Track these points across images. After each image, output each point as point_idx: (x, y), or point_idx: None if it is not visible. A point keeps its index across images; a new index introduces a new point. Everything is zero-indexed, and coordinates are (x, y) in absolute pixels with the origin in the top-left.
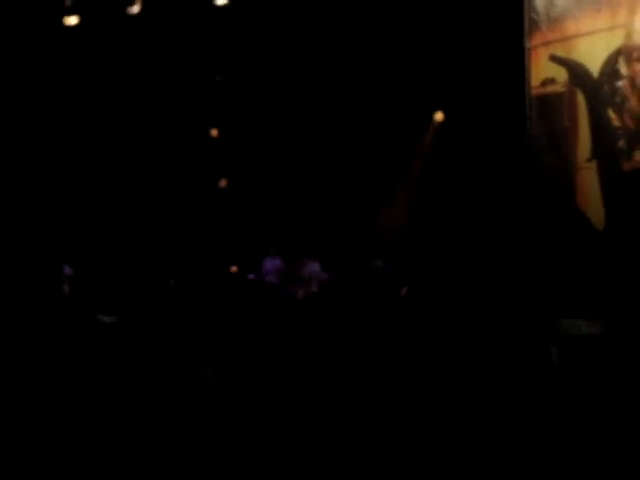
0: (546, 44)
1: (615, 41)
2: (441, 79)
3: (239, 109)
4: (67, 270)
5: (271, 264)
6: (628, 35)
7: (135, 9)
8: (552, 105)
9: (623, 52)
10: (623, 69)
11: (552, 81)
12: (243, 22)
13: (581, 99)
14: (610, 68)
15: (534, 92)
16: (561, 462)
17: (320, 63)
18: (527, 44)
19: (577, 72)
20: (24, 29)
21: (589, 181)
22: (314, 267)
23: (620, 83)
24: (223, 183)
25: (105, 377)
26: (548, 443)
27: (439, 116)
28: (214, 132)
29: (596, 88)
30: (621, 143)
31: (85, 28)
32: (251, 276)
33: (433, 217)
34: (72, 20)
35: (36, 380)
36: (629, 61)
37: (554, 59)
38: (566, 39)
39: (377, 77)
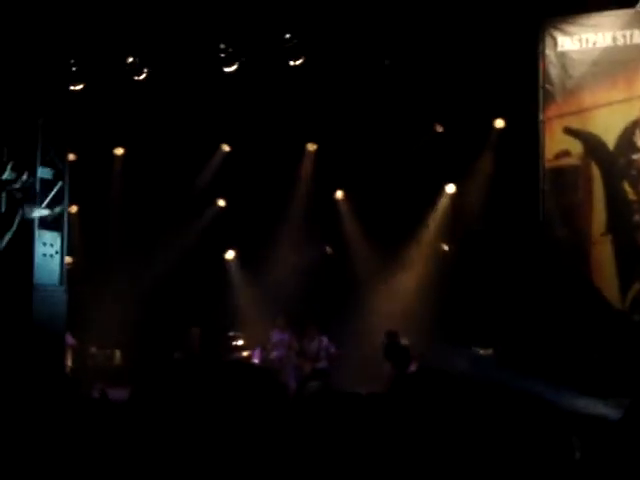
0: (561, 116)
1: (631, 113)
2: (457, 148)
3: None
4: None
5: (279, 338)
6: None
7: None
8: (566, 178)
9: (639, 124)
10: (639, 142)
11: (567, 154)
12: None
13: (596, 172)
14: (626, 140)
15: (548, 165)
16: None
17: None
18: (541, 116)
19: (592, 144)
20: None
21: (604, 255)
22: (323, 341)
23: (636, 156)
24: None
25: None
26: None
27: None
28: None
29: (612, 160)
30: (637, 217)
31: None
32: (257, 352)
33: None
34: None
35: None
36: None
37: (569, 131)
38: (581, 111)
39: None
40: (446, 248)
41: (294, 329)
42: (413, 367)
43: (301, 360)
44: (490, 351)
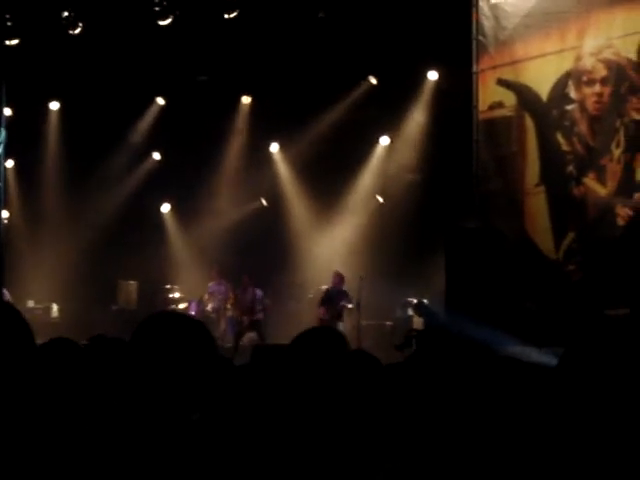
0: (494, 68)
1: (564, 64)
2: (392, 100)
3: None
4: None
5: (215, 289)
6: (578, 58)
7: None
8: (500, 129)
9: (573, 75)
10: (572, 93)
11: (500, 105)
12: None
13: (529, 123)
14: (559, 92)
15: (482, 116)
16: None
17: None
18: (475, 68)
19: (526, 96)
20: None
21: (537, 206)
22: (257, 293)
23: (569, 107)
24: None
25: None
26: None
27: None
28: (156, 155)
29: (545, 112)
30: (570, 168)
31: None
32: (193, 304)
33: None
34: None
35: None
36: (579, 85)
37: (502, 83)
38: (514, 62)
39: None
40: (381, 200)
41: (229, 281)
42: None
43: (237, 312)
44: (425, 300)
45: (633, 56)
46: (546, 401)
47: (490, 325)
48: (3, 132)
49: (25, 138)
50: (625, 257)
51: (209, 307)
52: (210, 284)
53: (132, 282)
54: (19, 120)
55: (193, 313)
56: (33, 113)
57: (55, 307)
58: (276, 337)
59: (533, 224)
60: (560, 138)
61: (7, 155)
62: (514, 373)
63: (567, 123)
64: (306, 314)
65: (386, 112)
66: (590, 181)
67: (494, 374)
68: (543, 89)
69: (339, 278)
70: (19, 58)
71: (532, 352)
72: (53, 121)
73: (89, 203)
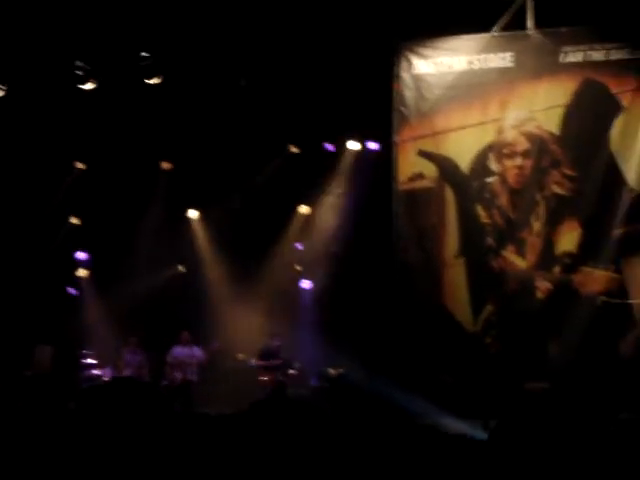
0: (415, 139)
1: (485, 137)
2: (312, 169)
3: None
4: None
5: (131, 357)
6: (499, 131)
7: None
8: (420, 200)
9: (494, 148)
10: (493, 165)
11: (421, 176)
12: None
13: (450, 195)
14: (480, 164)
15: (402, 187)
16: None
17: None
18: (395, 138)
19: (446, 167)
20: None
21: (457, 278)
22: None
23: (490, 179)
24: None
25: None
26: None
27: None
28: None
29: (465, 184)
30: (489, 240)
31: None
32: (108, 370)
33: None
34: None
35: None
36: (500, 157)
37: (423, 154)
38: (436, 134)
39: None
40: (299, 268)
41: (145, 349)
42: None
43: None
44: (341, 370)
45: (555, 129)
46: (476, 474)
47: (409, 392)
48: None
49: None
50: (544, 330)
51: (124, 374)
52: (125, 350)
53: (46, 346)
54: None
55: (106, 379)
56: None
57: None
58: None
59: (452, 295)
60: (480, 210)
61: None
62: (434, 442)
63: (487, 195)
64: None
65: (306, 181)
66: (509, 254)
67: (415, 441)
68: (464, 161)
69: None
70: None
71: (459, 423)
72: None
73: (2, 264)
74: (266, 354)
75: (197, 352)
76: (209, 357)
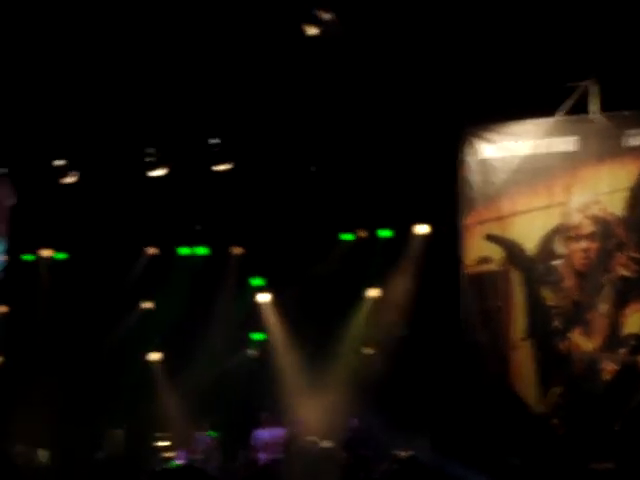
0: (482, 222)
1: (551, 220)
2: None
3: None
4: None
5: (203, 440)
6: (564, 214)
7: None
8: (487, 283)
9: (560, 231)
10: (559, 248)
11: (487, 260)
12: None
13: (516, 277)
14: (546, 247)
15: (469, 270)
16: None
17: None
18: (462, 222)
19: (513, 251)
20: None
21: (523, 360)
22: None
23: (556, 262)
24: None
25: None
26: None
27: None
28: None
29: (532, 267)
30: (556, 323)
31: None
32: (182, 453)
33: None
34: None
35: None
36: (566, 240)
37: (490, 238)
38: (502, 217)
39: None
40: (370, 352)
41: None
42: None
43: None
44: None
45: (620, 212)
46: None
47: (478, 474)
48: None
49: (19, 286)
50: (610, 412)
51: (198, 457)
52: (197, 433)
53: (118, 430)
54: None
55: (180, 462)
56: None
57: (42, 453)
58: None
59: (519, 377)
60: (546, 292)
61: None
62: None
63: (553, 278)
64: None
65: (375, 264)
66: (576, 336)
67: None
68: (530, 244)
69: None
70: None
71: None
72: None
73: (79, 350)
74: (352, 443)
75: (279, 433)
76: (290, 438)
